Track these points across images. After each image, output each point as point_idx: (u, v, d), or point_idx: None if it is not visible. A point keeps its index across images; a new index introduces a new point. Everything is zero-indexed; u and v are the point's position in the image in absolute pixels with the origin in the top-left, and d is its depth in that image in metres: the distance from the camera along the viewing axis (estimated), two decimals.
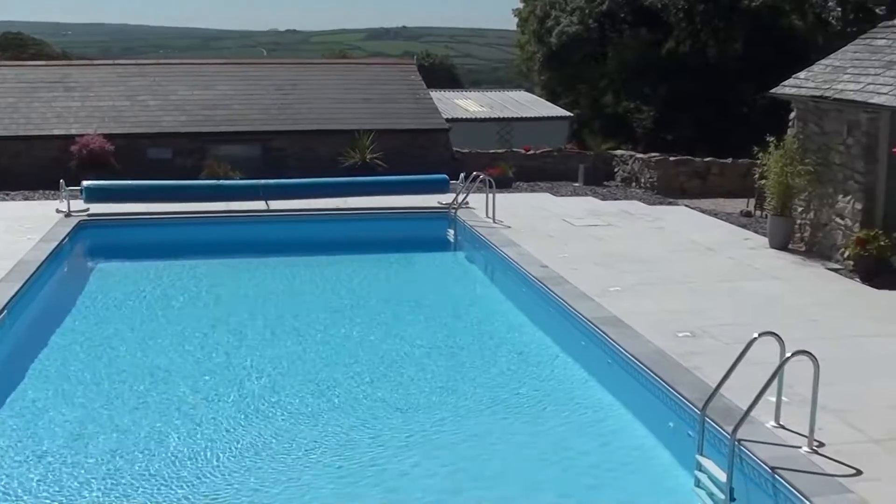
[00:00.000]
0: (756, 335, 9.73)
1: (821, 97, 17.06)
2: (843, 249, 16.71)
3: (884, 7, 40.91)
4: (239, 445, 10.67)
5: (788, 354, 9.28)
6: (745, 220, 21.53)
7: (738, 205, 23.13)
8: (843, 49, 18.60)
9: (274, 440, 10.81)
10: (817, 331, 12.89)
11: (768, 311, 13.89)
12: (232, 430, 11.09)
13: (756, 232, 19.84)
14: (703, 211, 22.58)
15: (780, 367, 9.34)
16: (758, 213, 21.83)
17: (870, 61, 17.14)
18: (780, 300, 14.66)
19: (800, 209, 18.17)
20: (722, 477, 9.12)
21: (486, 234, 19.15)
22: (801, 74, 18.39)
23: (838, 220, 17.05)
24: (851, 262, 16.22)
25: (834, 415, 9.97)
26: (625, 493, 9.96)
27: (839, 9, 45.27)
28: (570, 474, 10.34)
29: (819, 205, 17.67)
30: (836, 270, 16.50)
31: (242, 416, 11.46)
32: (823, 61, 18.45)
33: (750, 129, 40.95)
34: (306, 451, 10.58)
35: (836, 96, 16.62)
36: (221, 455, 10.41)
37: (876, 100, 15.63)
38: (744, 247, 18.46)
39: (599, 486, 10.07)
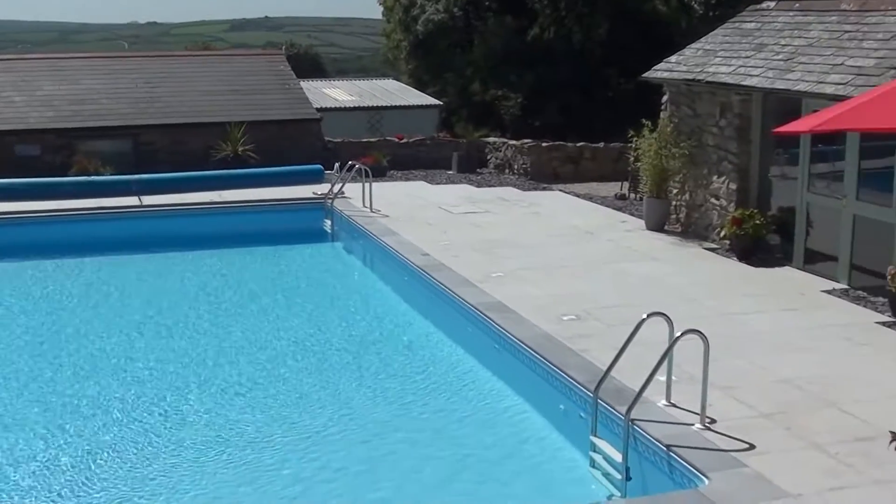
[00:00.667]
0: (645, 316, 9.80)
1: (693, 80, 17.32)
2: (719, 229, 17.01)
3: None
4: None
5: (678, 334, 9.38)
6: (620, 203, 21.76)
7: (611, 188, 23.37)
8: (714, 32, 18.91)
9: (132, 444, 10.65)
10: (699, 310, 13.08)
11: (650, 292, 14.06)
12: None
13: (632, 214, 20.09)
14: (577, 195, 22.76)
15: (671, 346, 9.44)
16: (632, 195, 22.10)
17: (740, 44, 17.46)
18: (660, 281, 14.85)
19: (675, 191, 18.44)
20: (617, 457, 9.18)
21: (364, 223, 18.98)
22: (673, 58, 18.65)
23: (713, 200, 17.35)
24: (728, 242, 16.51)
25: (723, 391, 10.11)
26: (519, 478, 9.99)
27: None
28: (462, 461, 10.31)
29: (694, 186, 17.96)
30: (712, 250, 16.79)
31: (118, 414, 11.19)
32: (694, 45, 18.73)
33: (616, 113, 41.81)
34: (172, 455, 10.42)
35: (709, 79, 16.89)
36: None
37: (748, 82, 15.92)
38: (621, 229, 18.67)
39: (493, 472, 10.08)
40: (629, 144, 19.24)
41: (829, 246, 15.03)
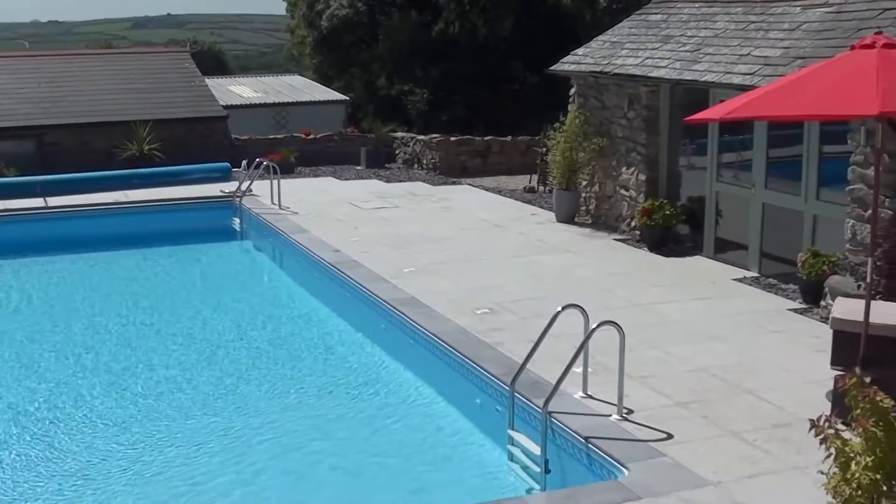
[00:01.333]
0: (560, 308, 9.76)
1: (601, 72, 17.36)
2: (629, 220, 17.09)
3: None
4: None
5: (594, 325, 9.33)
6: (529, 195, 21.77)
7: (520, 181, 23.40)
8: (620, 25, 18.98)
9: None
10: (612, 300, 13.08)
11: (563, 284, 14.05)
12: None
13: (542, 207, 20.11)
14: (486, 189, 22.75)
15: (588, 338, 9.39)
16: (541, 188, 22.14)
17: (647, 36, 17.55)
18: (572, 272, 14.85)
19: (584, 183, 18.47)
20: (536, 450, 9.10)
21: (273, 221, 18.71)
22: (580, 51, 18.68)
23: (623, 191, 17.42)
24: (638, 232, 16.60)
25: (638, 381, 10.09)
26: (436, 473, 9.89)
27: None
28: (376, 459, 10.17)
29: (603, 177, 18.01)
30: (623, 241, 16.85)
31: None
32: (601, 37, 18.79)
33: (521, 106, 41.96)
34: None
35: (617, 71, 16.94)
36: None
37: (656, 73, 15.98)
38: (531, 222, 18.66)
39: (408, 468, 9.96)
40: (537, 137, 19.22)
41: (738, 235, 15.16)
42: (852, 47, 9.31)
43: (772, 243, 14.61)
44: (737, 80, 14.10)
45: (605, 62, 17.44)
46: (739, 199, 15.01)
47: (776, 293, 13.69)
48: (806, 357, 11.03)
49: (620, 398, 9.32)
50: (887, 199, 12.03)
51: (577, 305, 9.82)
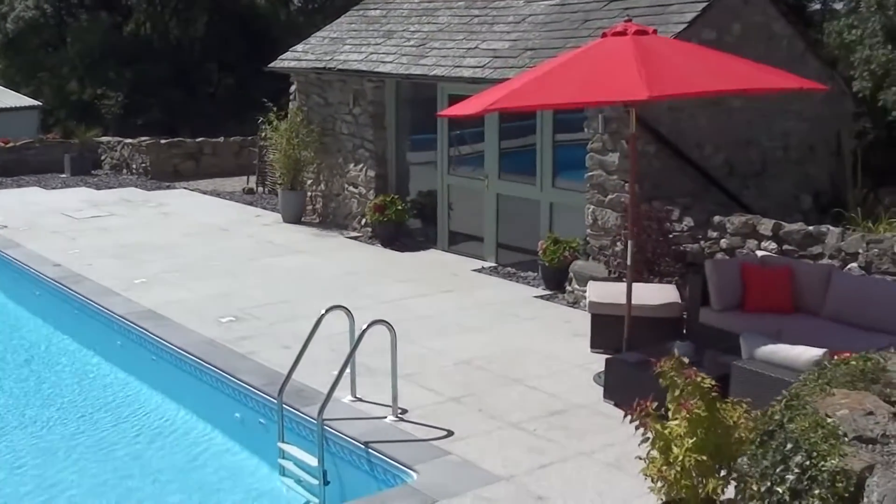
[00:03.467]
0: (324, 311, 9.42)
1: (324, 68, 17.07)
2: (359, 217, 16.90)
3: None
4: None
5: (365, 326, 9.04)
6: (249, 197, 21.26)
7: (237, 183, 22.82)
8: (338, 21, 18.75)
9: None
10: (359, 299, 12.75)
11: (305, 285, 13.72)
12: None
13: (265, 208, 19.68)
14: (204, 192, 22.05)
15: (360, 339, 9.07)
16: (261, 189, 21.67)
17: (368, 31, 17.39)
18: (312, 273, 14.52)
19: (310, 181, 18.15)
20: (312, 461, 8.71)
21: None
22: (300, 47, 18.33)
23: (352, 188, 17.21)
24: (370, 229, 16.43)
25: (405, 379, 9.82)
26: (199, 498, 9.27)
27: None
28: (128, 491, 9.36)
29: (329, 175, 17.75)
30: (355, 238, 16.68)
31: None
32: (320, 33, 18.51)
33: (218, 107, 41.12)
34: None
35: (341, 67, 16.70)
36: None
37: (382, 68, 15.84)
38: (258, 224, 18.20)
39: (167, 499, 9.26)
40: (250, 138, 18.72)
41: (473, 227, 15.26)
42: (604, 35, 9.44)
43: (507, 233, 14.79)
44: (467, 73, 14.14)
45: (328, 58, 17.17)
46: (472, 191, 15.11)
47: (517, 281, 13.86)
48: (564, 342, 11.17)
49: (395, 398, 9.08)
50: (627, 184, 12.37)
51: (342, 307, 9.53)
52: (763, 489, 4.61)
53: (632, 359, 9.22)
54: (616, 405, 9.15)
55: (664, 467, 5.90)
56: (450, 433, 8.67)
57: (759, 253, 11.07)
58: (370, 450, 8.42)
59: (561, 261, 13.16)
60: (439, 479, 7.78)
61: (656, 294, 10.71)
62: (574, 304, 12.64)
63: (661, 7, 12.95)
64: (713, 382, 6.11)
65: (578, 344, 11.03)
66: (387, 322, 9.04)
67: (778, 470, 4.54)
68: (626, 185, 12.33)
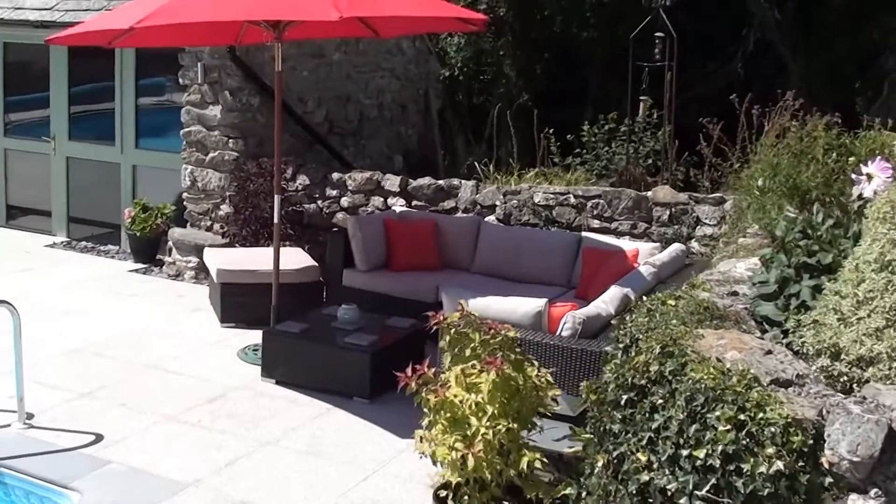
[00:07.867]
0: None
1: None
2: None
3: None
4: None
5: None
6: None
7: None
8: None
9: None
10: None
11: None
12: None
13: None
14: None
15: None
16: None
17: None
18: None
19: None
20: None
21: None
22: None
23: None
24: None
25: (13, 377, 8.20)
26: None
27: None
28: None
29: None
30: None
31: None
32: None
33: None
34: None
35: None
36: None
37: None
38: None
39: None
40: None
41: (38, 199, 13.47)
42: None
43: (81, 204, 13.16)
44: (33, 16, 12.34)
45: None
46: (36, 156, 13.32)
47: (100, 255, 12.43)
48: (187, 318, 10.01)
49: (21, 399, 7.47)
50: (231, 140, 11.30)
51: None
52: (664, 458, 3.89)
53: (294, 328, 8.29)
54: (278, 383, 8.21)
55: (458, 443, 4.99)
56: (99, 437, 7.23)
57: (397, 209, 10.47)
58: (4, 469, 6.81)
59: (153, 230, 11.87)
60: (110, 496, 6.36)
61: (291, 258, 9.81)
62: (177, 276, 11.42)
63: None
64: (517, 334, 5.34)
65: (203, 319, 9.92)
66: (9, 303, 7.45)
67: (692, 430, 3.81)
68: (230, 141, 11.30)
